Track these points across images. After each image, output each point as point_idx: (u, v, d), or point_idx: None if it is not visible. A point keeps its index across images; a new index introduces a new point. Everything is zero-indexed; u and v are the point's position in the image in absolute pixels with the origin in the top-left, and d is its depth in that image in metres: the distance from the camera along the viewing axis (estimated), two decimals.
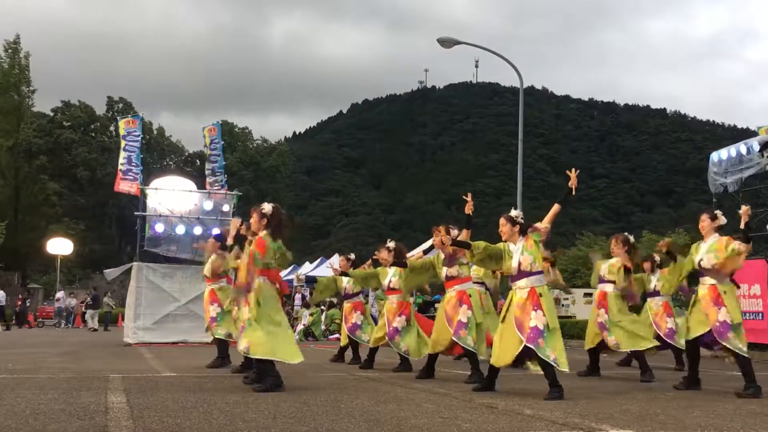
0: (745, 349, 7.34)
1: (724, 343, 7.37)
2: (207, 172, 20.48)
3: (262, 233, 7.27)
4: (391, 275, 10.03)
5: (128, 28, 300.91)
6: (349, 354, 11.70)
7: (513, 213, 7.44)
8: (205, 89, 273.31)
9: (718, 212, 7.81)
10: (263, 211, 7.32)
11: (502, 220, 7.42)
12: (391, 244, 10.14)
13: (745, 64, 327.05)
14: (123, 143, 19.87)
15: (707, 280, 7.56)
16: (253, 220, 7.38)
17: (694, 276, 7.99)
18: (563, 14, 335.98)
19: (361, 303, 11.71)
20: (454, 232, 8.48)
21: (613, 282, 9.45)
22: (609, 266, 9.58)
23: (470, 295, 8.52)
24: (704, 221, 7.72)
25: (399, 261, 9.86)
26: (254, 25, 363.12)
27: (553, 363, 6.79)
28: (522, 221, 7.38)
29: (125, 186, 19.41)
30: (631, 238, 9.59)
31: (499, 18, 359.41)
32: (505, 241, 7.39)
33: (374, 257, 10.80)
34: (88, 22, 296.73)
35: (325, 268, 24.58)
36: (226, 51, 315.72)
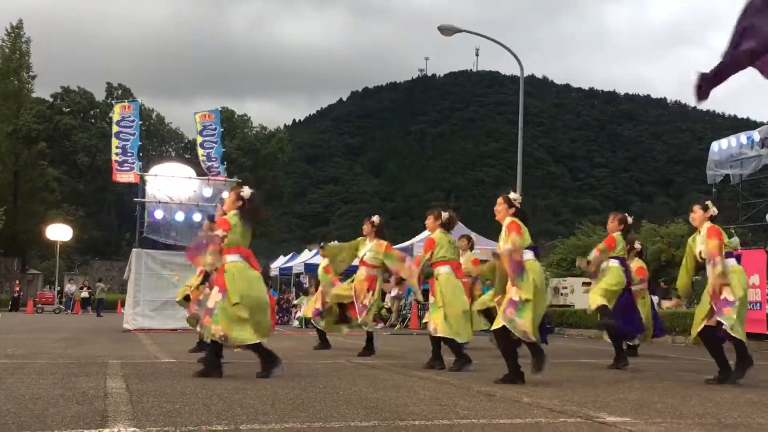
0: (736, 327, 7.32)
1: (718, 318, 7.37)
2: (202, 158, 20.41)
3: (231, 213, 7.33)
4: (367, 249, 10.38)
5: (94, 11, 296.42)
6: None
7: (512, 195, 7.48)
8: (179, 76, 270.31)
9: (708, 203, 7.84)
10: (241, 193, 7.35)
11: (499, 200, 7.46)
12: (375, 218, 10.39)
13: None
14: (116, 129, 19.67)
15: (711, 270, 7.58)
16: (229, 199, 7.46)
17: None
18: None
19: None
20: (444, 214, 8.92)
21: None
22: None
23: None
24: (696, 212, 7.78)
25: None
26: (220, 11, 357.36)
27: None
28: (518, 205, 7.41)
29: (123, 177, 19.38)
30: (629, 219, 9.57)
31: (466, 3, 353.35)
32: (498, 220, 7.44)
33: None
34: (51, 5, 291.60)
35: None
36: (192, 37, 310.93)
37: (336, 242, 11.79)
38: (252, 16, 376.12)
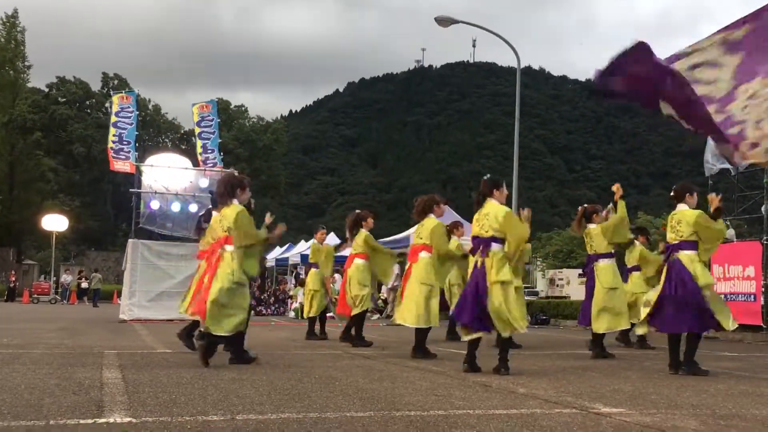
0: None
1: None
2: (199, 149, 20.43)
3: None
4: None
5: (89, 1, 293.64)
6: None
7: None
8: (173, 66, 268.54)
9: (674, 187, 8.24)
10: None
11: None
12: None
13: None
14: (114, 119, 19.77)
15: None
16: None
17: None
18: None
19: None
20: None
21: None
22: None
23: None
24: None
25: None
26: (214, 1, 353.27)
27: None
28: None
29: (119, 165, 19.40)
30: (585, 206, 9.99)
31: None
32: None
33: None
34: None
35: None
36: (187, 27, 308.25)
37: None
38: (248, 6, 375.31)
